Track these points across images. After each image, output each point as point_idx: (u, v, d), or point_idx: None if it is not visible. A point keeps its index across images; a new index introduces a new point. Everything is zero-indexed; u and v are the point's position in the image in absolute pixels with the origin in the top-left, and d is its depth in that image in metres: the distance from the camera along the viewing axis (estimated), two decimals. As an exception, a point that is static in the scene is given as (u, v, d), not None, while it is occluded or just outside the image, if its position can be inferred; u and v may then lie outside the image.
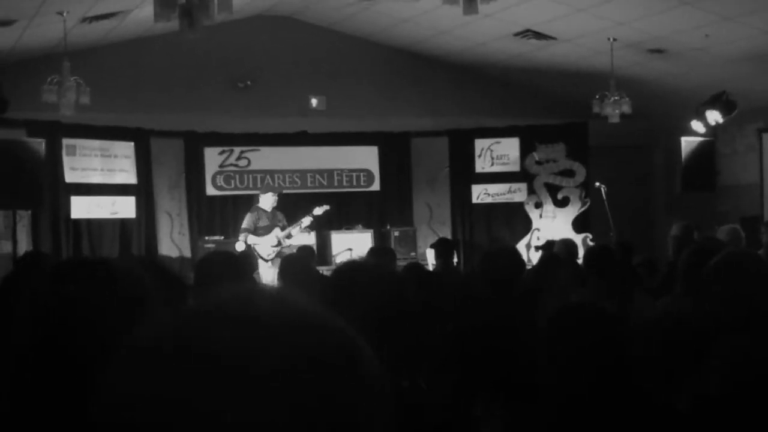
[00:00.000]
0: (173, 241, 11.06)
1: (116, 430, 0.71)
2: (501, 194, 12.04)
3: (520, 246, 11.28)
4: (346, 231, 11.20)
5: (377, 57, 11.81)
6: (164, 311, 0.80)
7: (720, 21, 8.84)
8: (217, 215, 11.18)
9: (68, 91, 8.69)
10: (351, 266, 2.42)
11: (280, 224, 9.84)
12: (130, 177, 10.61)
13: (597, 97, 10.37)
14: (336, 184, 11.67)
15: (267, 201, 9.96)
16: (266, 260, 9.66)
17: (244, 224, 9.90)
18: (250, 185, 11.21)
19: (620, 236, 9.64)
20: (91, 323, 1.45)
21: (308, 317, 0.77)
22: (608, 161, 11.94)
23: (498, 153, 12.05)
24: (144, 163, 10.72)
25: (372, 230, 11.30)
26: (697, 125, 10.68)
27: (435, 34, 10.89)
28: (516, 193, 12.03)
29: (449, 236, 11.27)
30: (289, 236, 9.80)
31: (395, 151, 11.96)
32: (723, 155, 11.93)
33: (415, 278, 5.00)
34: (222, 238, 10.58)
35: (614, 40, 9.89)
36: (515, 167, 12.03)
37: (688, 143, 11.31)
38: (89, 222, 10.40)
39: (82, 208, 10.25)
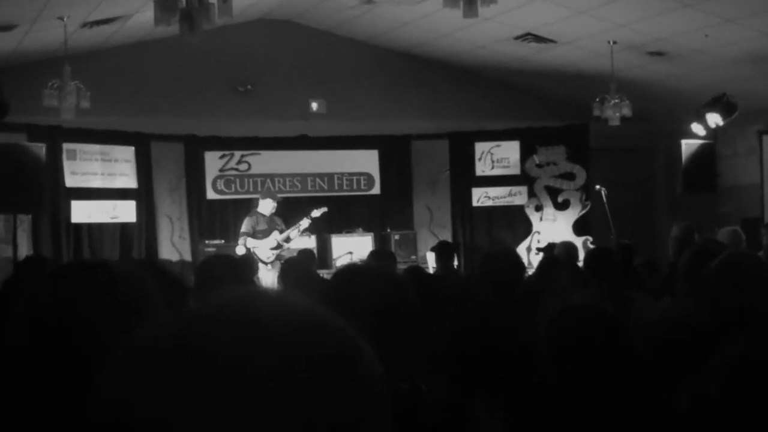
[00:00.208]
0: (174, 245, 11.06)
1: (113, 430, 0.71)
2: (501, 197, 12.03)
3: (521, 249, 11.25)
4: (347, 234, 11.18)
5: (377, 60, 11.80)
6: (164, 312, 0.80)
7: (720, 23, 8.84)
8: (218, 219, 11.17)
9: (69, 96, 8.70)
10: (351, 268, 2.42)
11: (279, 228, 9.83)
12: (130, 181, 10.61)
13: (597, 99, 10.35)
14: (336, 187, 11.67)
15: (266, 206, 9.94)
16: (266, 263, 9.66)
17: (243, 228, 9.89)
18: (251, 189, 11.20)
19: (621, 238, 9.63)
20: (89, 324, 1.45)
21: (308, 318, 0.77)
22: (609, 164, 11.93)
23: (498, 156, 12.05)
24: (144, 167, 10.71)
25: (372, 233, 11.29)
26: (697, 127, 10.67)
27: (435, 37, 10.90)
28: (516, 196, 12.03)
29: (450, 239, 11.26)
30: (288, 239, 9.79)
31: (395, 154, 11.96)
32: (723, 157, 11.93)
33: (415, 281, 5.00)
34: (222, 241, 10.58)
35: (614, 42, 9.89)
36: (516, 170, 12.01)
37: (688, 146, 11.32)
38: (90, 226, 10.39)
39: (82, 212, 10.24)
